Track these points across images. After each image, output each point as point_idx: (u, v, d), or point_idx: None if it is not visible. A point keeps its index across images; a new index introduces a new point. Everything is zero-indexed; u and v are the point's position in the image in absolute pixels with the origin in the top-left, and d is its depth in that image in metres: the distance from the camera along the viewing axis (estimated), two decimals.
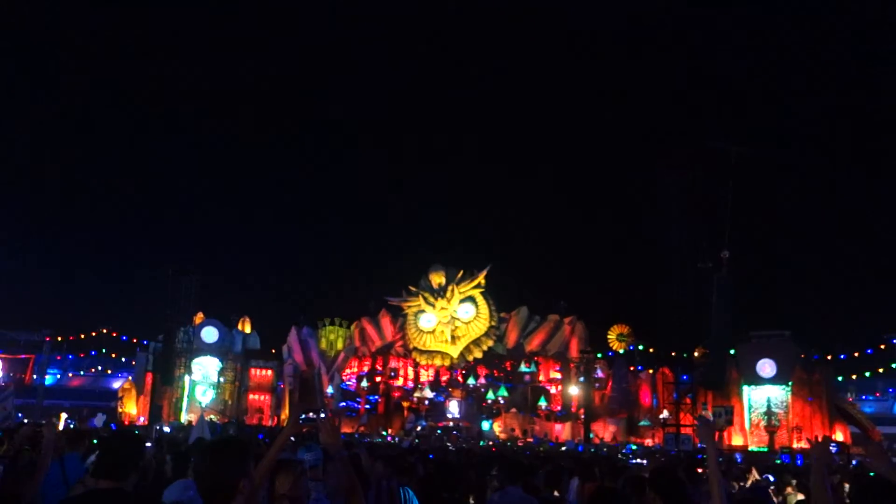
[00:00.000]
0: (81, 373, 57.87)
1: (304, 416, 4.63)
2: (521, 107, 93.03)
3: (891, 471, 4.43)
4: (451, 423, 44.04)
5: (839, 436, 39.41)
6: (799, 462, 26.21)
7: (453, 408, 46.15)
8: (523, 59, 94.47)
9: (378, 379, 48.38)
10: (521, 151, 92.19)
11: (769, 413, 40.93)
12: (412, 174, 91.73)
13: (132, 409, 48.01)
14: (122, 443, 3.86)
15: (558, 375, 46.27)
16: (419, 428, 43.03)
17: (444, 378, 47.42)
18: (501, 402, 45.91)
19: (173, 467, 6.53)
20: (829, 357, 43.44)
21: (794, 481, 11.44)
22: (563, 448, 34.27)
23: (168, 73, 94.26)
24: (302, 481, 4.41)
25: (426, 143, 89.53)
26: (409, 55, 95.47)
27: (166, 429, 37.66)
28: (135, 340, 52.69)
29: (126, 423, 42.51)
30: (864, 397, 52.13)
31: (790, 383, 40.97)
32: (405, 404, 47.53)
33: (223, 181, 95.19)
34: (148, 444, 10.11)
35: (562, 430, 45.27)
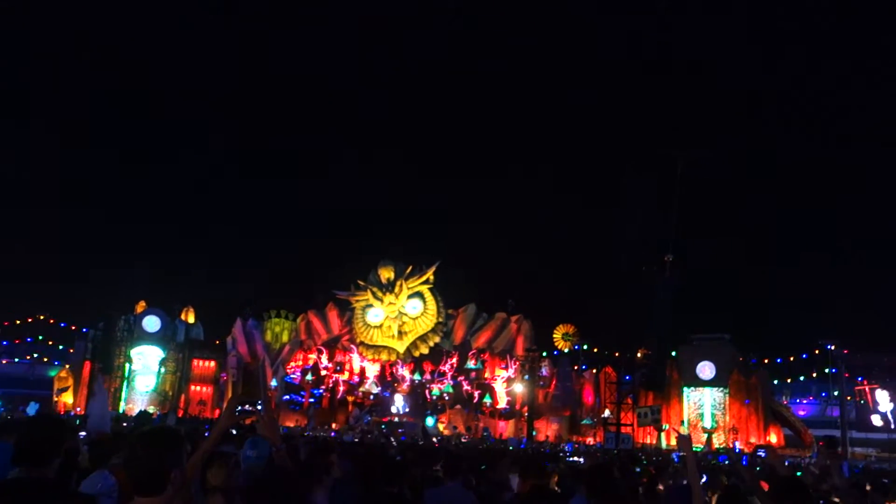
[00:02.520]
0: (16, 360, 56.21)
1: (241, 408, 4.60)
2: (477, 107, 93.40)
3: (782, 465, 5.43)
4: (395, 419, 44.01)
5: (773, 437, 40.54)
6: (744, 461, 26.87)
7: (398, 403, 46.16)
8: (485, 61, 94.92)
9: (323, 373, 48.08)
10: (474, 151, 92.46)
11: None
12: (364, 169, 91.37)
13: (69, 398, 46.81)
14: (41, 428, 3.75)
15: (503, 373, 46.61)
16: (364, 423, 42.93)
17: (390, 373, 47.38)
18: (446, 398, 46.10)
19: (90, 457, 6.35)
20: (766, 361, 44.67)
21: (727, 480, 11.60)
22: (508, 446, 34.53)
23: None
24: (235, 474, 4.37)
25: (382, 141, 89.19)
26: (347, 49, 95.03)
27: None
28: (73, 328, 51.43)
29: (62, 412, 41.43)
30: (798, 401, 53.65)
31: (728, 386, 42.00)
32: (350, 399, 47.36)
33: (170, 171, 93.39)
34: (83, 434, 9.86)
35: (505, 428, 45.65)
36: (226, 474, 4.25)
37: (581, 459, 13.95)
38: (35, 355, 55.72)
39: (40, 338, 54.13)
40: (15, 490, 3.44)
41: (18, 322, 52.60)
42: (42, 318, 52.63)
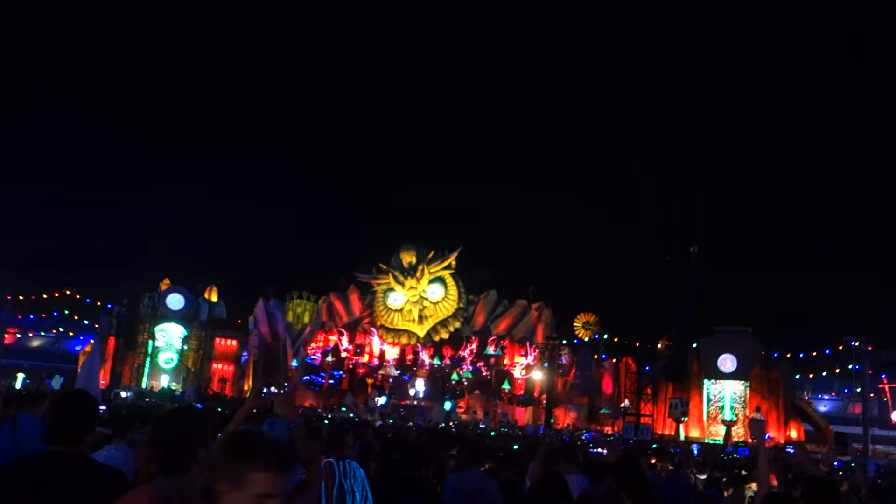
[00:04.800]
0: (42, 333, 57.03)
1: (267, 390, 4.60)
2: (503, 96, 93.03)
3: (812, 464, 5.44)
4: (414, 402, 44.15)
5: (794, 433, 40.20)
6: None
7: (417, 387, 46.23)
8: (510, 55, 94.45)
9: (343, 354, 48.28)
10: (498, 138, 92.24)
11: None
12: (390, 156, 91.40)
13: None
14: (75, 404, 3.75)
15: (523, 360, 46.53)
16: (380, 405, 43.11)
17: (410, 357, 47.45)
18: (465, 383, 46.10)
19: (113, 428, 6.38)
20: (788, 355, 44.24)
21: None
22: (526, 433, 34.56)
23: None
24: None
25: (405, 129, 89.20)
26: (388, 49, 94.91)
27: (125, 394, 37.41)
28: (99, 303, 52.07)
29: None
30: (820, 396, 53.16)
31: (749, 379, 41.64)
32: (369, 381, 47.51)
33: (197, 151, 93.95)
34: (103, 408, 9.96)
35: (524, 414, 45.62)
36: None
37: (604, 451, 13.84)
38: (61, 329, 56.50)
39: (66, 312, 54.82)
40: (48, 463, 3.45)
41: (45, 296, 53.30)
42: (68, 293, 53.29)
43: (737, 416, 41.46)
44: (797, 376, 46.33)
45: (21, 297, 51.53)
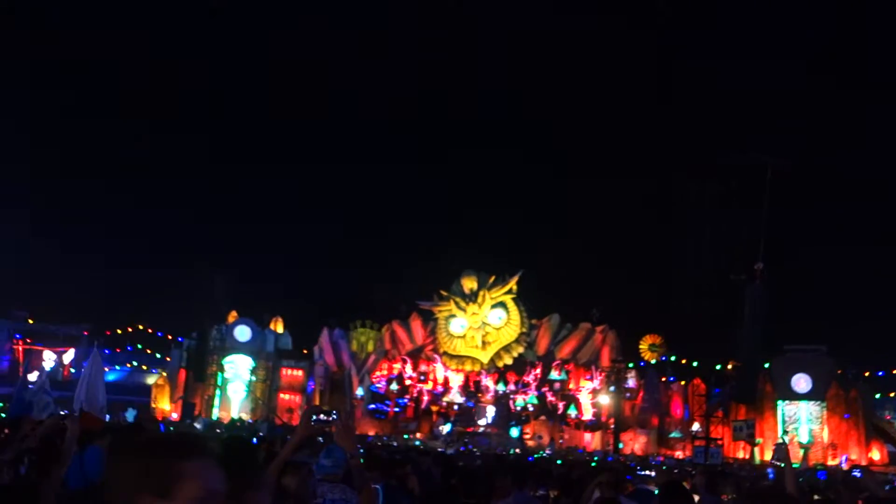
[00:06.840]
0: (117, 367, 58.82)
1: (317, 417, 4.69)
2: (560, 113, 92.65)
3: (879, 488, 5.37)
4: (479, 429, 43.94)
5: (876, 454, 38.63)
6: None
7: (482, 413, 46.04)
8: (559, 63, 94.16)
9: (408, 382, 48.46)
10: (556, 159, 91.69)
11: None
12: (447, 178, 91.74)
13: (165, 405, 48.72)
14: (130, 437, 3.93)
15: (588, 384, 45.95)
16: (445, 432, 43.06)
17: (474, 383, 47.34)
18: (530, 409, 45.72)
19: None
20: (866, 374, 42.61)
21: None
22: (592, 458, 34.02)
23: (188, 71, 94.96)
24: (308, 482, 4.46)
25: (462, 148, 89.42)
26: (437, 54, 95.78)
27: (197, 425, 38.26)
28: (170, 337, 53.54)
29: (159, 418, 43.14)
30: None
31: (825, 399, 40.25)
32: (434, 408, 47.54)
33: (259, 181, 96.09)
34: None
35: (591, 440, 44.95)
36: (298, 482, 4.35)
37: (652, 473, 13.46)
38: (134, 363, 58.21)
39: (139, 346, 56.45)
40: (101, 493, 3.61)
41: (120, 332, 55.03)
42: (141, 327, 54.95)
43: (814, 438, 40.06)
44: (877, 395, 44.56)
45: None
